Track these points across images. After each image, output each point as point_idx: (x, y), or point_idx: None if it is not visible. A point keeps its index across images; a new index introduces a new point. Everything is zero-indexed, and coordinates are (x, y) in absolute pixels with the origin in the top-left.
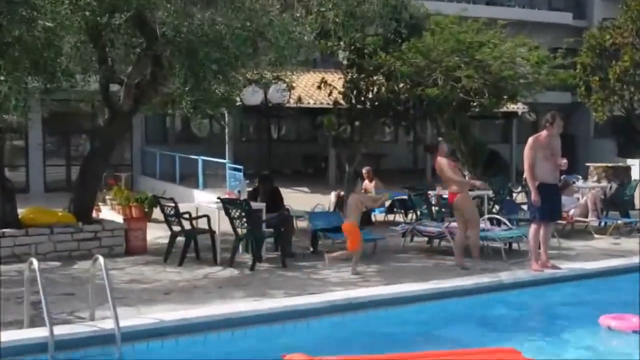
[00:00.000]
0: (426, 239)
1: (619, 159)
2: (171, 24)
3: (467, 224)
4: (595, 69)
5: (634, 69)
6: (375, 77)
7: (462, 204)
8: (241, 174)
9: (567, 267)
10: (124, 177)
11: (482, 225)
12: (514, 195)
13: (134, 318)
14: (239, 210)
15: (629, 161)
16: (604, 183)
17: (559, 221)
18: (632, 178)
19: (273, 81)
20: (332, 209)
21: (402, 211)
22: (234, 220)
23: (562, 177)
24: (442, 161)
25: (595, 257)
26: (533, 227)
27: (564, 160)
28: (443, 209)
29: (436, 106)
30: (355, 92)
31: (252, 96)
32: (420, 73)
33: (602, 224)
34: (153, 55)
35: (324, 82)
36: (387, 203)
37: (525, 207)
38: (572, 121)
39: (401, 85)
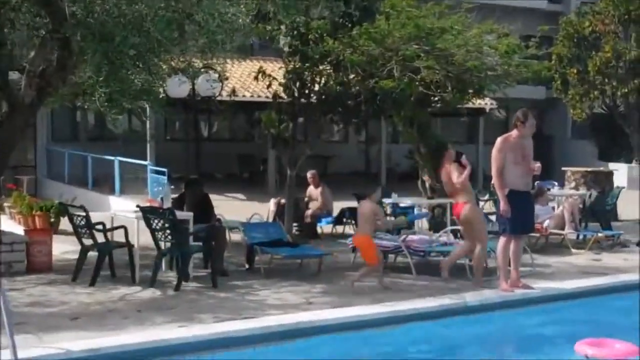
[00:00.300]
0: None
1: (600, 163)
2: (82, 2)
3: (474, 240)
4: (573, 60)
5: (617, 60)
6: (321, 67)
7: (472, 215)
8: (165, 177)
9: (540, 286)
10: (25, 180)
11: (443, 239)
12: (481, 204)
13: (35, 348)
14: (162, 221)
15: (611, 165)
16: (582, 190)
17: (532, 234)
18: (615, 185)
19: (202, 70)
20: (271, 219)
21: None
22: (156, 233)
23: (535, 184)
24: (451, 168)
25: (572, 275)
26: (502, 240)
27: (537, 164)
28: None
29: (391, 101)
30: (298, 84)
31: (178, 87)
32: (373, 63)
33: (581, 237)
34: (60, 39)
35: (261, 72)
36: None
37: (493, 217)
38: (547, 119)
39: (351, 76)
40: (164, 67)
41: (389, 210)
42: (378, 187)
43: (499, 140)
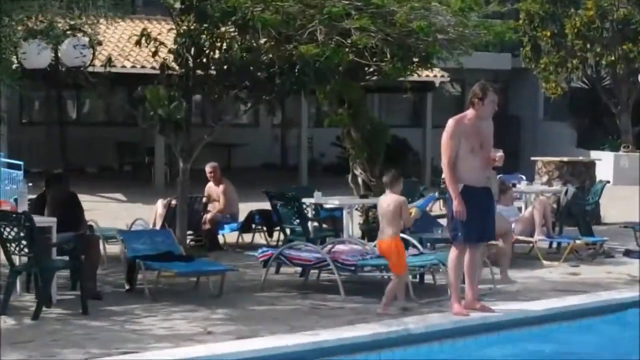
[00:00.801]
0: (299, 269)
1: (579, 151)
2: None
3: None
4: (546, 19)
5: (601, 20)
6: (223, 29)
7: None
8: (20, 173)
9: (503, 308)
10: None
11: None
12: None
13: None
14: (15, 229)
15: (594, 154)
16: (557, 186)
17: (492, 242)
18: (597, 179)
19: (68, 33)
20: (158, 226)
21: (264, 228)
22: (8, 244)
23: (497, 178)
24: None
25: (543, 293)
26: (454, 251)
27: (499, 154)
28: (324, 225)
29: (314, 72)
30: (193, 50)
31: (36, 56)
32: (290, 23)
33: (555, 245)
34: None
35: (146, 35)
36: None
37: (444, 221)
38: (513, 96)
39: (263, 40)
40: (19, 28)
41: (310, 214)
42: (399, 176)
43: (450, 122)
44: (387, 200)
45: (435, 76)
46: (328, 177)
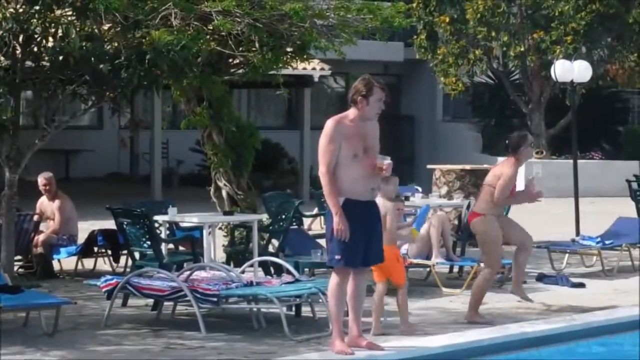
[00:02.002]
0: (151, 301)
1: (484, 157)
2: None
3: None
4: (445, 3)
5: (508, 4)
6: (58, 12)
7: (482, 229)
8: None
9: (394, 346)
10: None
11: (248, 276)
12: (306, 221)
13: None
14: None
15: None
16: (457, 199)
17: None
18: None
19: None
20: None
21: (109, 252)
22: None
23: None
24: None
25: (442, 327)
26: (335, 277)
27: (387, 161)
28: (181, 247)
29: (168, 64)
30: (22, 38)
31: None
32: (140, 6)
33: (456, 268)
34: None
35: None
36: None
37: (324, 242)
38: (406, 93)
39: (106, 26)
40: None
41: (163, 234)
42: (392, 176)
43: (329, 123)
44: (379, 204)
45: (313, 69)
46: (186, 190)
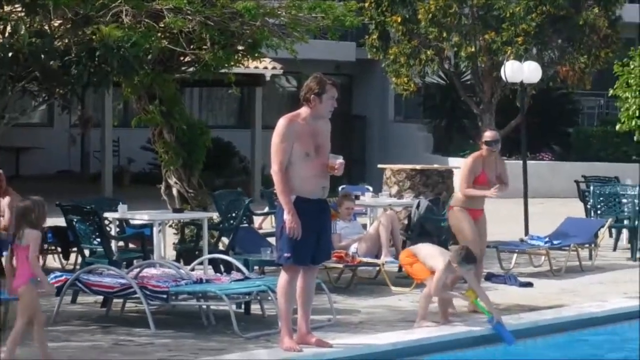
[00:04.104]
0: (100, 297)
1: (435, 157)
2: None
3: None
4: (397, 3)
5: (459, 5)
6: (7, 8)
7: (450, 221)
8: None
9: (343, 343)
10: None
11: (197, 274)
12: (257, 220)
13: None
14: None
15: (452, 161)
16: (407, 198)
17: (332, 264)
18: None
19: None
20: None
21: (58, 249)
22: None
23: (340, 189)
24: None
25: (391, 325)
26: (284, 275)
27: (339, 160)
28: (131, 245)
29: (119, 61)
30: None
31: None
32: (90, 2)
33: None
34: None
35: None
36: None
37: (274, 240)
38: (358, 92)
39: (56, 22)
40: None
41: (113, 231)
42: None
43: (281, 121)
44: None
45: (265, 68)
46: (138, 188)
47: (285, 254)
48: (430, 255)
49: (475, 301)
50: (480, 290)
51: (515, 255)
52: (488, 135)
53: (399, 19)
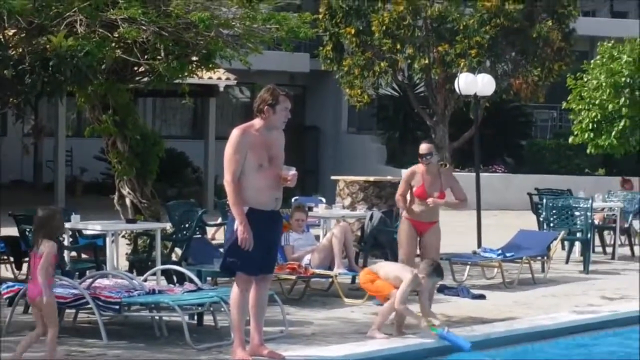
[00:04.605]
0: None
1: (388, 169)
2: None
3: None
4: (350, 14)
5: (413, 17)
6: None
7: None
8: None
9: (295, 355)
10: None
11: (150, 285)
12: (210, 230)
13: None
14: None
15: (405, 172)
16: (361, 210)
17: (285, 275)
18: None
19: None
20: None
21: (11, 259)
22: None
23: (294, 200)
24: None
25: (344, 337)
26: (237, 286)
27: (292, 172)
28: (83, 255)
29: (72, 70)
30: None
31: None
32: (43, 11)
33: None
34: None
35: None
36: None
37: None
38: (312, 104)
39: (11, 32)
40: None
41: (66, 241)
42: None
43: (235, 132)
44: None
45: (219, 79)
46: (91, 198)
47: (233, 263)
48: (393, 270)
49: (433, 329)
50: (430, 310)
51: (468, 267)
52: (421, 147)
53: (353, 31)
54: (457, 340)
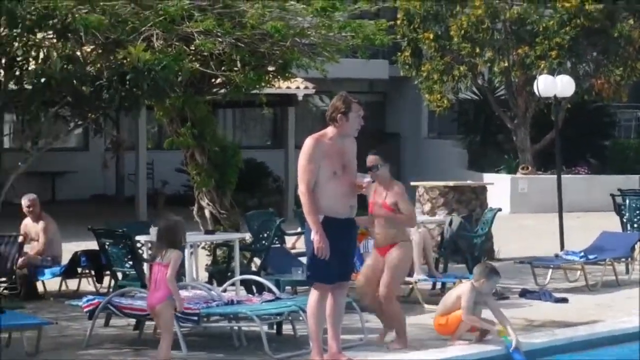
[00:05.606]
0: (133, 320)
1: (470, 174)
2: None
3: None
4: (429, 19)
5: (492, 20)
6: (40, 35)
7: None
8: None
9: None
10: None
11: (229, 295)
12: (290, 240)
13: None
14: None
15: (487, 177)
16: (440, 215)
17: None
18: (489, 206)
19: None
20: None
21: (92, 272)
22: None
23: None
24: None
25: (424, 343)
26: (314, 294)
27: (367, 179)
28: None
29: (149, 84)
30: (4, 61)
31: None
32: (120, 26)
33: (438, 285)
34: None
35: None
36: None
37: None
38: (392, 110)
39: (88, 48)
40: None
41: (145, 254)
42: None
43: (308, 141)
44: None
45: (297, 88)
46: (172, 210)
47: (314, 273)
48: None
49: (505, 337)
50: (503, 316)
51: (550, 270)
52: (367, 159)
53: (432, 36)
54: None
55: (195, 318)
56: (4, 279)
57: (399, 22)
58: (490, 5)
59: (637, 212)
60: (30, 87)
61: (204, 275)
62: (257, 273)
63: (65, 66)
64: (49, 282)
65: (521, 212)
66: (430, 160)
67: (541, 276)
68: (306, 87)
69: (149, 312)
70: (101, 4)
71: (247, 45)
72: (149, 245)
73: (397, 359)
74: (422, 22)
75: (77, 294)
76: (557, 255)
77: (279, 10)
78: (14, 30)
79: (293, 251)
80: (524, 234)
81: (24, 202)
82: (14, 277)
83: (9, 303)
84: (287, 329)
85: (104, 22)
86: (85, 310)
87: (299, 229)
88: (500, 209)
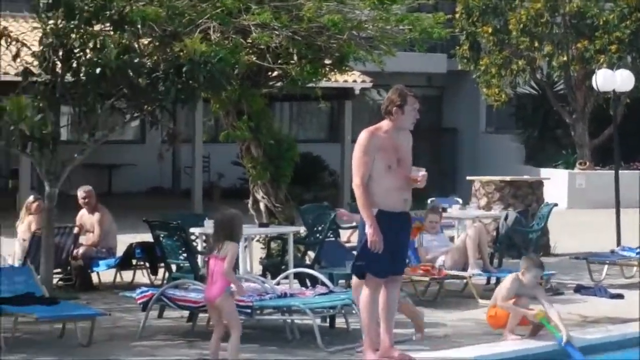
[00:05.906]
0: (186, 312)
1: (527, 169)
2: None
3: None
4: (487, 12)
5: (551, 14)
6: (97, 27)
7: None
8: None
9: (427, 357)
10: None
11: (282, 288)
12: (345, 233)
13: None
14: None
15: (544, 172)
16: (496, 210)
17: (418, 277)
18: (545, 201)
19: None
20: (16, 262)
21: (147, 264)
22: None
23: (430, 201)
24: None
25: (478, 338)
26: (367, 288)
27: (422, 173)
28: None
29: (205, 77)
30: (61, 52)
31: None
32: (177, 18)
33: (493, 280)
34: None
35: (5, 35)
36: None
37: None
38: (449, 104)
39: (145, 40)
40: None
41: (200, 246)
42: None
43: (363, 135)
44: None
45: (354, 81)
46: (228, 203)
47: (363, 265)
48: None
49: (543, 320)
50: (552, 309)
51: (605, 266)
52: None
53: (490, 30)
54: (573, 352)
55: (249, 310)
56: (59, 270)
57: (457, 15)
58: None
59: None
60: (85, 80)
61: (257, 268)
62: (310, 266)
63: (120, 55)
64: (104, 273)
65: (578, 208)
66: (488, 155)
67: (597, 272)
68: (363, 81)
69: (206, 305)
70: None
71: (303, 38)
72: (203, 237)
73: (449, 354)
74: (480, 15)
75: (132, 286)
76: (613, 251)
77: (336, 3)
78: (72, 22)
79: (347, 245)
80: (580, 229)
81: (80, 193)
82: (69, 268)
83: (64, 294)
84: (340, 322)
85: (161, 15)
86: (139, 301)
87: (354, 223)
88: (556, 204)
